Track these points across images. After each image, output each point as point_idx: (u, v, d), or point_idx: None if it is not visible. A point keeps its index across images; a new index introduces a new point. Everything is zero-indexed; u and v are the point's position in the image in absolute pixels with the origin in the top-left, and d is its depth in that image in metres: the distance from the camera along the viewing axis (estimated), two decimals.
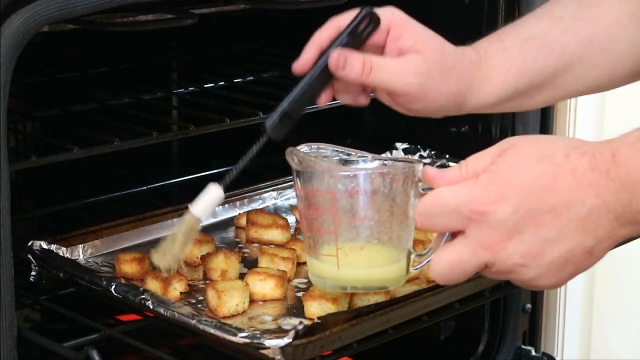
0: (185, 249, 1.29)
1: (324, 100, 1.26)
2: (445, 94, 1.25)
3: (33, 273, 1.44)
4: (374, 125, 2.04)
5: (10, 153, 1.26)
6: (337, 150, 1.28)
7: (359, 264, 1.21)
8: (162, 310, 1.29)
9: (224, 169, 2.04)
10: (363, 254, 1.21)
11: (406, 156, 1.21)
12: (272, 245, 1.55)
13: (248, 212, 1.64)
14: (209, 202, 1.25)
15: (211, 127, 1.61)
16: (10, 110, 1.25)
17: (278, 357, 1.18)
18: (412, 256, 1.22)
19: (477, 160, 1.07)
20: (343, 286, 1.26)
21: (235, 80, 1.86)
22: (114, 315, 1.60)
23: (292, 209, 1.72)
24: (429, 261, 1.13)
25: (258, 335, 1.21)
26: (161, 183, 1.94)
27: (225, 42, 2.11)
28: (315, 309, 1.32)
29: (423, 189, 1.15)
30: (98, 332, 1.36)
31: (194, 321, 1.26)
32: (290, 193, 1.78)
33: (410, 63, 1.23)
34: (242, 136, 1.94)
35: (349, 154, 1.26)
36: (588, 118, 1.99)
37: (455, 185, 1.05)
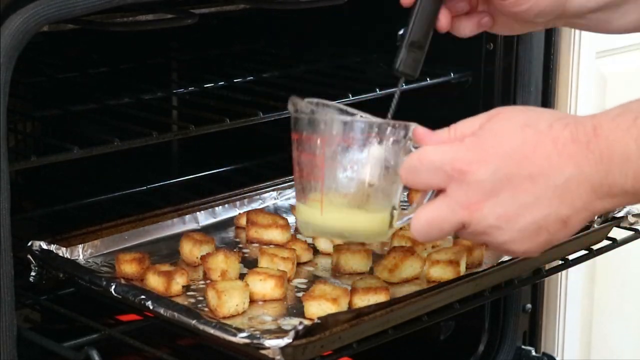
0: None
1: (444, 24, 1.29)
2: None
3: (33, 273, 1.44)
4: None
5: (10, 153, 1.26)
6: (340, 109, 1.29)
7: (342, 210, 1.22)
8: (162, 311, 1.29)
9: (224, 169, 2.04)
10: (346, 201, 1.21)
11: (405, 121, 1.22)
12: (272, 245, 1.55)
13: (248, 212, 1.64)
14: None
15: (211, 127, 1.61)
16: (10, 110, 1.25)
17: (278, 357, 1.18)
18: (396, 212, 1.23)
19: (466, 124, 1.12)
20: (325, 232, 1.27)
21: (235, 80, 1.86)
22: (114, 315, 1.60)
23: (292, 209, 1.72)
24: (410, 218, 1.15)
25: (258, 336, 1.21)
26: (161, 183, 1.94)
27: (225, 42, 2.11)
28: (315, 309, 1.32)
29: (413, 147, 1.17)
30: (98, 332, 1.36)
31: (194, 321, 1.26)
32: (291, 193, 1.78)
33: None
34: (242, 136, 1.95)
35: (353, 114, 1.27)
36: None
37: (442, 145, 1.10)
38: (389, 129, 1.19)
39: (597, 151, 1.04)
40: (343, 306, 1.33)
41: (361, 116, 1.26)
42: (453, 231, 1.10)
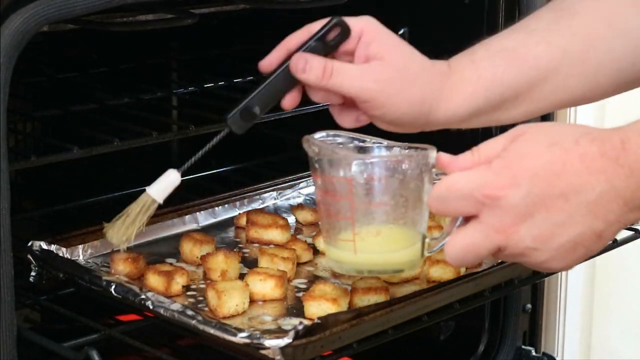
0: (137, 228, 1.33)
1: (288, 104, 1.28)
2: (407, 101, 1.25)
3: (33, 273, 1.44)
4: (374, 125, 2.04)
5: (10, 153, 1.26)
6: (352, 137, 1.30)
7: (375, 248, 1.22)
8: (162, 311, 1.30)
9: (224, 169, 2.04)
10: (379, 238, 1.21)
11: (420, 144, 1.22)
12: (272, 245, 1.55)
13: (248, 212, 1.64)
14: (165, 186, 1.32)
15: (211, 127, 1.61)
16: (10, 110, 1.25)
17: (278, 357, 1.18)
18: (427, 240, 1.22)
19: (489, 146, 1.10)
20: (360, 270, 1.27)
21: (235, 80, 1.86)
22: (114, 315, 1.60)
23: (292, 209, 1.72)
24: (443, 245, 1.14)
25: (258, 336, 1.21)
26: None
27: (225, 42, 2.11)
28: (315, 309, 1.32)
29: (437, 175, 1.17)
30: (98, 332, 1.36)
31: (194, 321, 1.26)
32: (290, 193, 1.79)
33: (371, 69, 1.25)
34: (242, 136, 1.95)
35: (364, 141, 1.28)
36: (589, 121, 1.99)
37: (469, 171, 1.08)
38: (412, 159, 1.20)
39: (627, 166, 1.03)
40: (343, 306, 1.33)
41: (373, 142, 1.26)
42: (489, 255, 1.09)
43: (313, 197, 1.79)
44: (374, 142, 1.27)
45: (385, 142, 1.27)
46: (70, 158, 1.44)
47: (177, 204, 1.66)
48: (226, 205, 1.71)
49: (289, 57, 1.28)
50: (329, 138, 1.30)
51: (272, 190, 1.78)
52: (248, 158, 2.11)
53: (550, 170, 1.05)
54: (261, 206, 1.74)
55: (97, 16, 1.35)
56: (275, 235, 1.58)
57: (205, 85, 1.84)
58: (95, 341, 1.33)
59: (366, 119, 1.29)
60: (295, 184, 1.80)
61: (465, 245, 1.08)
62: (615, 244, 1.59)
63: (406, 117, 1.27)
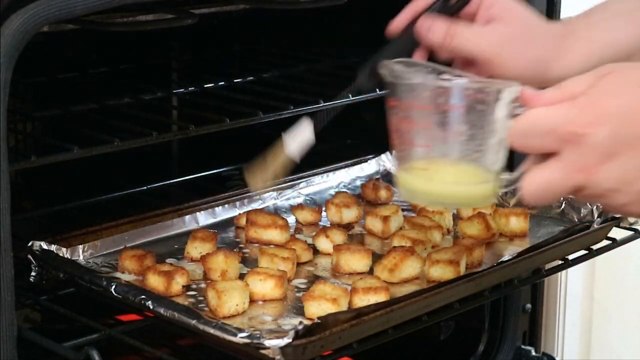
0: (274, 176, 1.35)
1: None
2: (526, 60, 1.30)
3: (33, 273, 1.44)
4: (374, 125, 2.04)
5: (10, 153, 1.26)
6: (431, 66, 1.26)
7: (450, 179, 1.20)
8: (162, 310, 1.29)
9: (224, 169, 2.04)
10: (454, 169, 1.19)
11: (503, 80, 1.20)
12: (272, 246, 1.55)
13: (248, 212, 1.64)
14: (301, 144, 1.33)
15: (211, 127, 1.61)
16: (10, 110, 1.25)
17: (278, 357, 1.18)
18: (503, 176, 1.19)
19: (575, 83, 1.08)
20: (432, 200, 1.27)
21: (235, 80, 1.86)
22: (114, 315, 1.60)
23: (292, 209, 1.72)
24: (518, 182, 1.11)
25: (258, 335, 1.21)
26: (161, 183, 1.94)
27: (225, 42, 2.11)
28: (316, 309, 1.32)
29: (518, 110, 1.13)
30: (98, 332, 1.36)
31: (194, 321, 1.26)
32: (290, 193, 1.78)
33: (491, 30, 1.31)
34: (242, 136, 1.95)
35: (442, 72, 1.24)
36: None
37: (553, 106, 1.06)
38: (494, 90, 1.16)
39: None
40: (343, 306, 1.33)
41: (453, 74, 1.23)
42: (567, 194, 1.07)
43: (313, 197, 1.79)
44: (453, 74, 1.23)
45: (465, 74, 1.24)
46: (70, 158, 1.44)
47: (177, 204, 1.66)
48: (226, 205, 1.71)
49: (415, 19, 1.33)
50: (406, 68, 1.26)
51: (272, 190, 1.78)
52: (248, 158, 2.11)
53: (637, 110, 1.02)
54: (261, 206, 1.74)
55: (97, 16, 1.35)
56: (275, 235, 1.58)
57: (205, 85, 1.84)
58: (95, 341, 1.33)
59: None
60: (295, 184, 1.80)
61: (543, 183, 1.06)
62: (615, 243, 1.59)
63: (524, 76, 1.28)
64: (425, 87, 1.19)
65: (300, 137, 1.32)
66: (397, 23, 1.35)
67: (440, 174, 1.20)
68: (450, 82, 1.21)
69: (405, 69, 1.23)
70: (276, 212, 1.73)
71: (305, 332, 1.19)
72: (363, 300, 1.35)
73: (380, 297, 1.35)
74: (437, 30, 1.30)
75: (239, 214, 1.69)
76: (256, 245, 1.58)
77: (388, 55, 1.30)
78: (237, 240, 1.63)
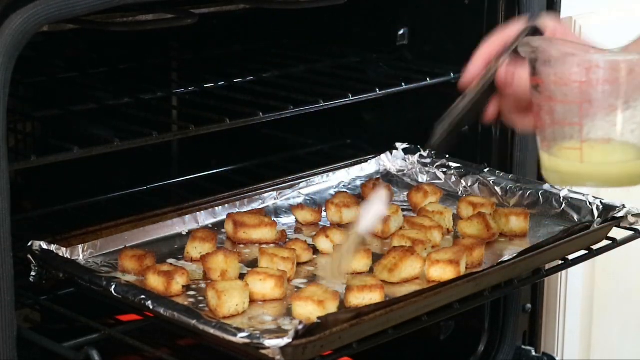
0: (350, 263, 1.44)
1: (491, 116, 1.26)
2: None
3: (33, 273, 1.44)
4: (374, 125, 2.04)
5: (10, 153, 1.26)
6: (572, 43, 1.21)
7: (604, 158, 1.16)
8: (162, 310, 1.29)
9: (224, 169, 2.04)
10: (609, 147, 1.15)
11: None
12: (272, 245, 1.55)
13: (231, 215, 1.61)
14: (373, 221, 1.38)
15: (211, 127, 1.61)
16: (10, 110, 1.25)
17: (278, 357, 1.18)
18: None
19: None
20: (584, 181, 1.21)
21: (235, 80, 1.86)
22: (114, 315, 1.60)
23: (292, 209, 1.72)
24: None
25: (258, 335, 1.21)
26: (161, 183, 1.94)
27: (225, 42, 2.11)
28: (302, 309, 1.32)
29: None
30: (98, 332, 1.36)
31: (193, 321, 1.26)
32: (290, 193, 1.78)
33: None
34: (242, 136, 1.95)
35: (587, 48, 1.20)
36: None
37: None
38: None
39: None
40: (330, 309, 1.32)
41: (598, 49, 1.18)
42: None
43: (313, 197, 1.79)
44: (600, 49, 1.19)
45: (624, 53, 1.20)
46: (70, 158, 1.44)
47: (177, 204, 1.66)
48: (226, 205, 1.71)
49: (485, 67, 1.25)
50: (550, 43, 1.21)
51: (272, 190, 1.77)
52: (248, 158, 2.11)
53: None
54: (261, 206, 1.73)
55: (97, 16, 1.35)
56: (265, 233, 1.57)
57: (205, 85, 1.84)
58: (95, 341, 1.33)
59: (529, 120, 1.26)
60: (295, 184, 1.80)
61: None
62: (615, 243, 1.59)
63: None
64: (578, 60, 1.14)
65: (372, 215, 1.34)
66: (471, 75, 1.26)
67: (594, 153, 1.15)
68: (605, 54, 1.15)
69: (549, 44, 1.17)
70: (276, 212, 1.73)
71: (305, 332, 1.19)
72: (358, 298, 1.35)
73: (375, 295, 1.35)
74: (522, 81, 1.21)
75: (226, 219, 1.64)
76: (256, 245, 1.57)
77: (466, 113, 1.24)
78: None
